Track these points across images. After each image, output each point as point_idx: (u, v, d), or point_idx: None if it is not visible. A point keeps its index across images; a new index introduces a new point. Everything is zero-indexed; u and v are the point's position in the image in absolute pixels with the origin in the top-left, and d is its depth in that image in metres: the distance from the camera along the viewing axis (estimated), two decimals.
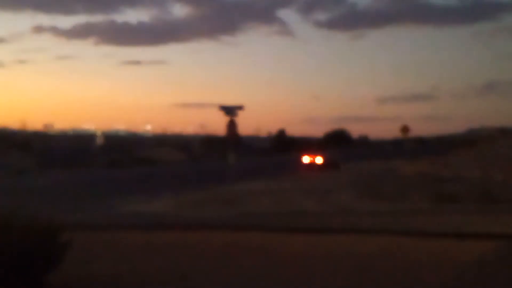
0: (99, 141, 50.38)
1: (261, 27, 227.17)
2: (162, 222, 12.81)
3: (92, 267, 7.33)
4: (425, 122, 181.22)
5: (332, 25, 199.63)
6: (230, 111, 18.88)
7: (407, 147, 50.34)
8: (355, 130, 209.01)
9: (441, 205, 14.28)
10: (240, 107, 19.08)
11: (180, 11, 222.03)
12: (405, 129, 43.32)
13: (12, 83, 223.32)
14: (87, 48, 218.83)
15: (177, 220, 13.41)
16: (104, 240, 9.73)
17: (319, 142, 76.56)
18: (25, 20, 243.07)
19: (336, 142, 71.80)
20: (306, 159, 37.97)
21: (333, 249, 8.60)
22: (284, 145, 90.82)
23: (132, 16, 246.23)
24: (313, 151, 40.28)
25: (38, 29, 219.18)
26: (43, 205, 10.67)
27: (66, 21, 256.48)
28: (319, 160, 37.65)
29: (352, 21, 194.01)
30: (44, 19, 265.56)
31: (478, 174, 23.82)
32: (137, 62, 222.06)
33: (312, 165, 36.83)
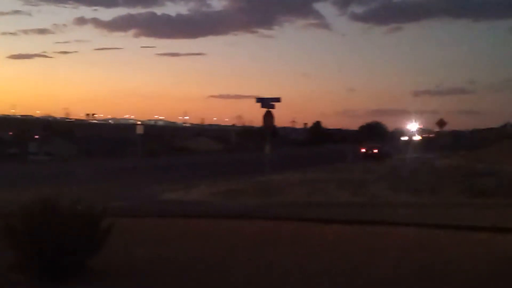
0: (139, 130, 51.30)
1: (298, 20, 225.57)
2: (199, 210, 13.16)
3: (131, 252, 7.61)
4: (461, 116, 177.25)
5: (368, 18, 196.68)
6: (266, 103, 18.92)
7: (443, 141, 50.92)
8: (390, 123, 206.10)
9: (475, 199, 14.14)
10: (276, 99, 19.06)
11: (218, 4, 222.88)
12: (441, 122, 42.61)
13: (56, 73, 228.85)
14: (127, 40, 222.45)
15: (213, 208, 13.74)
16: (143, 227, 10.11)
17: (370, 134, 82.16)
18: (68, 12, 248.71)
19: (371, 135, 71.48)
20: (363, 150, 44.15)
21: (367, 240, 8.64)
22: (320, 137, 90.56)
23: (172, 9, 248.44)
24: (369, 143, 47.57)
25: (80, 21, 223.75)
26: (85, 192, 11.11)
27: (107, 13, 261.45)
28: (375, 150, 43.63)
29: (388, 14, 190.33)
30: (86, 11, 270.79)
31: None
32: (176, 54, 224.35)
33: (369, 154, 42.39)
